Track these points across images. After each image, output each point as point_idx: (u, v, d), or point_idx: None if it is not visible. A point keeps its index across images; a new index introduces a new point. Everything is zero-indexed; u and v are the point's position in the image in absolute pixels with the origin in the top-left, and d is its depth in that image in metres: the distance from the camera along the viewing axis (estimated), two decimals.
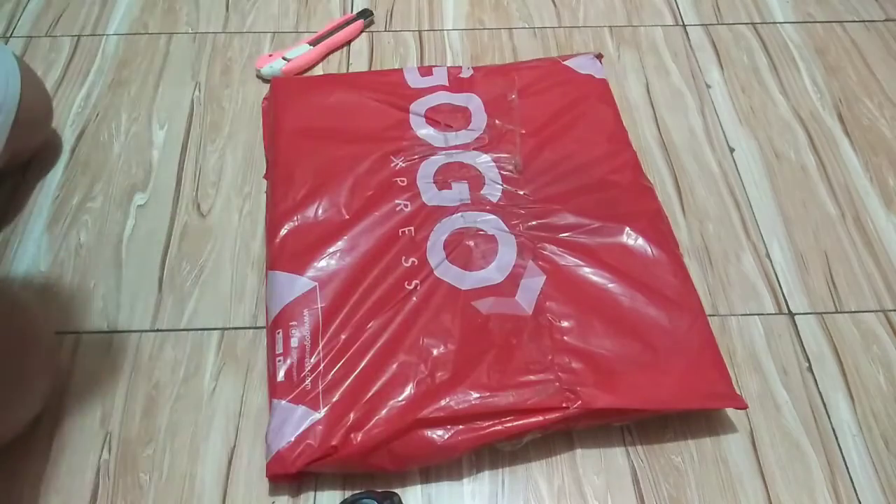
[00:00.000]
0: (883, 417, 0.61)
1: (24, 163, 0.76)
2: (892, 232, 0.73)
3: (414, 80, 0.80)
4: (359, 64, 0.87)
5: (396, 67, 0.86)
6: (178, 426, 0.60)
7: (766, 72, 0.87)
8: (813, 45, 0.90)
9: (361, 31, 0.91)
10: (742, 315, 0.67)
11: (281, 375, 0.59)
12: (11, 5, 0.93)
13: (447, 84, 0.80)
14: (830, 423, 0.61)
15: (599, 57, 0.84)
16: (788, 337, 0.66)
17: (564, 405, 0.57)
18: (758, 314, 0.67)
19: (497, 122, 0.77)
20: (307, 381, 0.58)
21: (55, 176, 0.76)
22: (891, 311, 0.68)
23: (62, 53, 0.88)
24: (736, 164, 0.78)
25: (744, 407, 0.59)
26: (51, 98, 0.77)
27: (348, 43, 0.89)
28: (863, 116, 0.83)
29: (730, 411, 0.61)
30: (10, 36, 0.89)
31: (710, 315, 0.65)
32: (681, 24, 0.93)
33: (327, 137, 0.74)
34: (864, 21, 0.94)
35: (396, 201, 0.69)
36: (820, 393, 0.63)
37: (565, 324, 0.62)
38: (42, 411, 0.59)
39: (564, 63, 0.82)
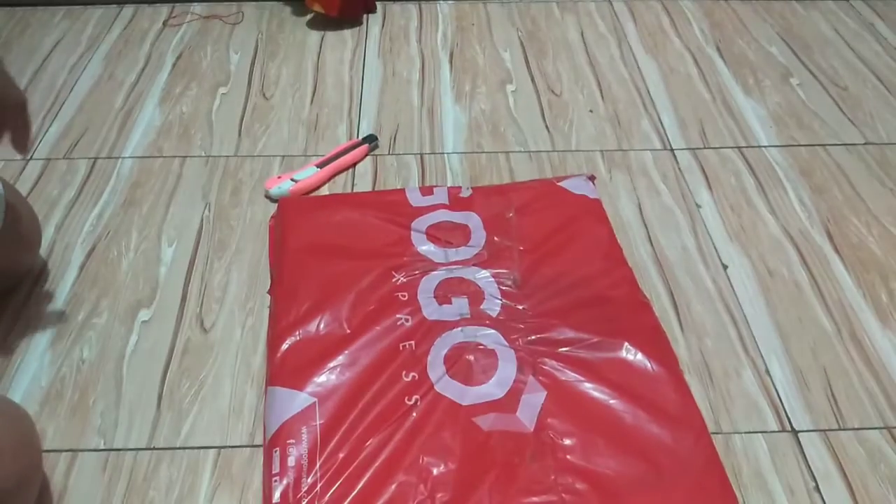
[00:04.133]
0: None
1: (13, 286, 0.77)
2: (889, 347, 0.74)
3: (415, 199, 0.83)
4: (363, 184, 0.91)
5: (399, 188, 0.90)
6: None
7: (753, 192, 0.91)
8: (798, 167, 0.94)
9: (367, 155, 0.95)
10: (745, 433, 0.66)
11: (277, 496, 0.58)
12: (34, 129, 0.98)
13: (447, 203, 0.83)
14: None
15: (592, 178, 0.87)
16: (793, 455, 0.65)
17: None
18: (761, 432, 0.66)
19: (496, 238, 0.79)
20: (304, 503, 0.57)
21: (63, 292, 0.77)
22: (895, 427, 0.67)
23: (78, 175, 0.91)
24: (730, 281, 0.80)
25: None
26: (40, 225, 0.79)
27: (354, 165, 0.94)
28: (851, 234, 0.85)
29: None
30: (30, 158, 0.94)
31: (713, 433, 0.64)
32: (668, 148, 0.97)
33: (331, 254, 0.76)
34: (845, 144, 0.98)
35: (397, 316, 0.70)
36: None
37: (568, 442, 0.61)
38: None
39: (559, 184, 0.86)
